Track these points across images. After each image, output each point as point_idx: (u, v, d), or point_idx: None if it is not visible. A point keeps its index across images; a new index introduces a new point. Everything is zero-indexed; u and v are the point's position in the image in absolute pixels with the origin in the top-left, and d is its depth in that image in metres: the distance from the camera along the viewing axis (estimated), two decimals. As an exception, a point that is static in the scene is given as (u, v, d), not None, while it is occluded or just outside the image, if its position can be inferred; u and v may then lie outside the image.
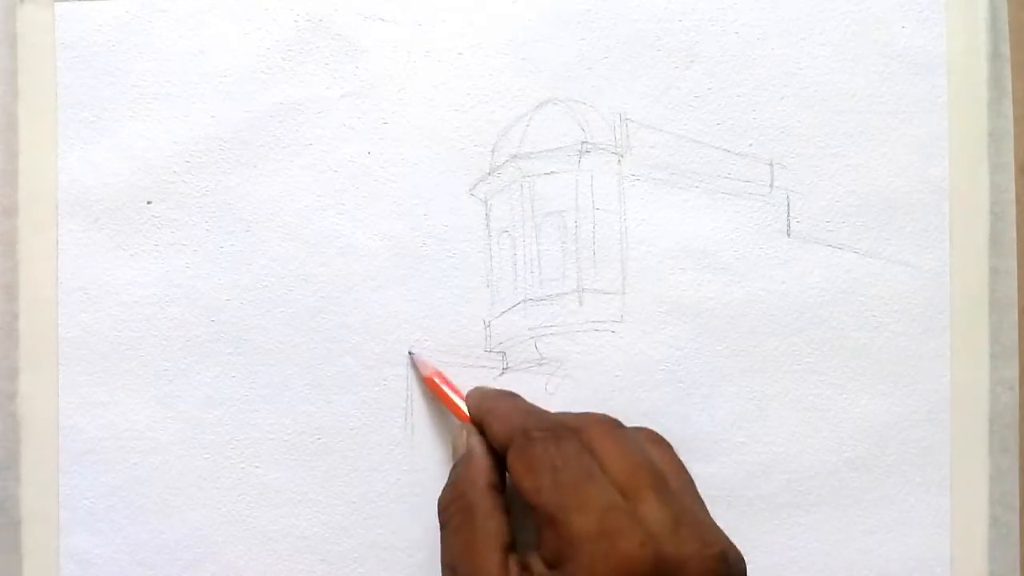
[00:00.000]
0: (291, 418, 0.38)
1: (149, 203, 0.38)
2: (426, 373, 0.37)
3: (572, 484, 0.29)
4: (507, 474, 0.32)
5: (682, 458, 0.37)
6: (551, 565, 0.28)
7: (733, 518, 0.37)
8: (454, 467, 0.34)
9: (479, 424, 0.34)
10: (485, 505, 0.31)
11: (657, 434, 0.33)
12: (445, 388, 0.36)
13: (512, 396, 0.36)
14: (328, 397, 0.38)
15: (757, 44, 0.38)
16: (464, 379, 0.38)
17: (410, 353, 0.38)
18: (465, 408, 0.36)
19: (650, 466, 0.30)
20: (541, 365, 0.38)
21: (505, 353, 0.38)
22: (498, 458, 0.33)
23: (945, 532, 0.37)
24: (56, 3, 0.38)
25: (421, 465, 0.38)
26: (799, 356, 0.38)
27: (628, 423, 0.37)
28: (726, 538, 0.29)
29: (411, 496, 0.38)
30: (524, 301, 0.38)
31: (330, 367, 0.38)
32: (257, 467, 0.38)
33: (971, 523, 0.37)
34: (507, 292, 0.38)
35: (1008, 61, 0.37)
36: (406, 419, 0.38)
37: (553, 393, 0.38)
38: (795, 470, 0.38)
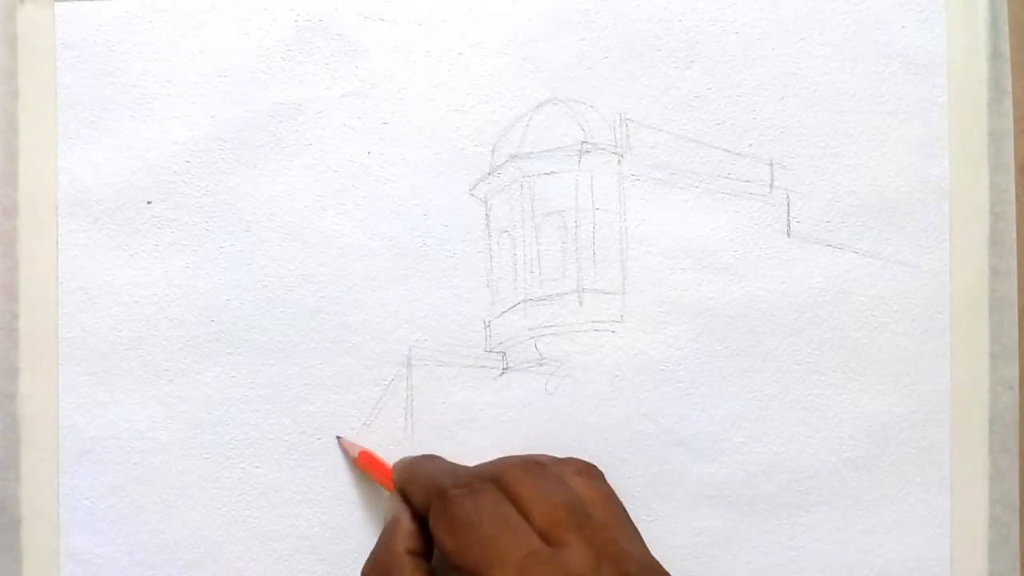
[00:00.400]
0: (291, 418, 0.38)
1: (149, 203, 0.38)
2: (354, 454, 0.37)
3: (490, 538, 0.28)
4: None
5: (682, 458, 0.37)
6: None
7: (733, 518, 0.37)
8: (379, 536, 0.34)
9: (404, 493, 0.34)
10: (404, 571, 0.31)
11: (585, 464, 0.33)
12: (375, 463, 0.37)
13: (432, 459, 0.36)
14: (328, 397, 0.38)
15: (757, 44, 0.38)
16: (464, 379, 0.38)
17: (338, 438, 0.38)
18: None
19: (571, 504, 0.30)
20: (541, 365, 0.38)
21: (505, 353, 0.38)
22: (423, 524, 0.33)
23: (945, 532, 0.37)
24: (56, 3, 0.38)
25: (421, 465, 0.38)
26: (799, 356, 0.38)
27: (628, 423, 0.37)
28: (655, 567, 0.29)
29: (411, 496, 0.38)
30: (524, 301, 0.38)
31: (330, 367, 0.38)
32: (257, 467, 0.38)
33: (971, 523, 0.37)
34: (507, 292, 0.38)
35: (1008, 61, 0.37)
36: (406, 419, 0.38)
37: (553, 393, 0.38)
38: (795, 470, 0.38)
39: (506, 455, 0.34)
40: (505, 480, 0.31)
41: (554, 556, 0.28)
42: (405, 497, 0.34)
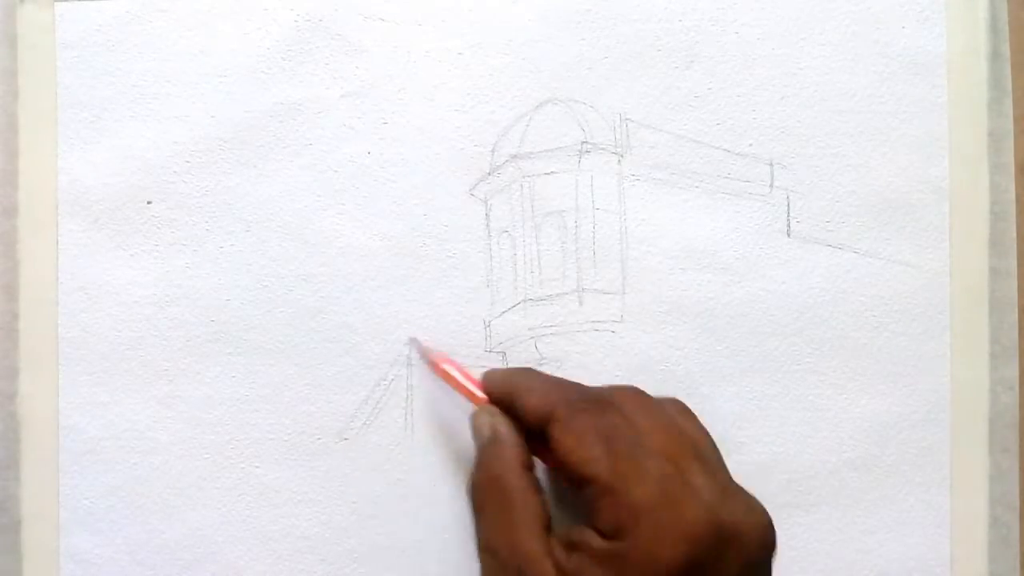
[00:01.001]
0: (291, 418, 0.38)
1: (149, 203, 0.38)
2: (434, 359, 0.36)
3: (626, 454, 0.28)
4: (545, 451, 0.31)
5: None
6: (610, 536, 0.28)
7: (733, 518, 0.37)
8: (482, 450, 0.32)
9: (505, 403, 0.33)
10: (522, 486, 0.30)
11: (683, 404, 0.33)
12: (456, 374, 0.35)
13: (536, 372, 0.35)
14: (328, 397, 0.38)
15: (757, 44, 0.38)
16: (464, 379, 0.38)
17: (412, 340, 0.37)
18: (478, 392, 0.34)
19: (685, 437, 0.30)
20: (541, 365, 0.38)
21: (505, 353, 0.38)
22: (525, 438, 0.32)
23: (945, 532, 0.37)
24: (56, 3, 0.38)
25: (421, 465, 0.38)
26: (799, 356, 0.38)
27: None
28: (763, 508, 0.30)
29: (411, 496, 0.38)
30: (524, 301, 0.38)
31: (330, 367, 0.38)
32: (257, 467, 0.38)
33: (971, 523, 0.37)
34: (507, 292, 0.38)
35: (1008, 61, 0.37)
36: (406, 419, 0.38)
37: (553, 393, 0.38)
38: (795, 470, 0.38)
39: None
40: (625, 406, 0.30)
41: (688, 481, 0.28)
42: (506, 409, 0.33)
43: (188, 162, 0.38)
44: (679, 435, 0.30)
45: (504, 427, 0.32)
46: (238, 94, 0.38)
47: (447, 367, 0.36)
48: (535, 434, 0.32)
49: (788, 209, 0.38)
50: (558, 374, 0.37)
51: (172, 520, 0.38)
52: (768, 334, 0.38)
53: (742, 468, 0.37)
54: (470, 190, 0.38)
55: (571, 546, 0.29)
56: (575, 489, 0.29)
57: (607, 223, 0.38)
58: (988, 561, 0.37)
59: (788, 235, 0.38)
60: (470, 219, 0.38)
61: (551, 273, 0.38)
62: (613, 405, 0.30)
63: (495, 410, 0.33)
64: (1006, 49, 0.37)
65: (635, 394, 0.32)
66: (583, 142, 0.38)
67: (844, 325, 0.38)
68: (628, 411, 0.30)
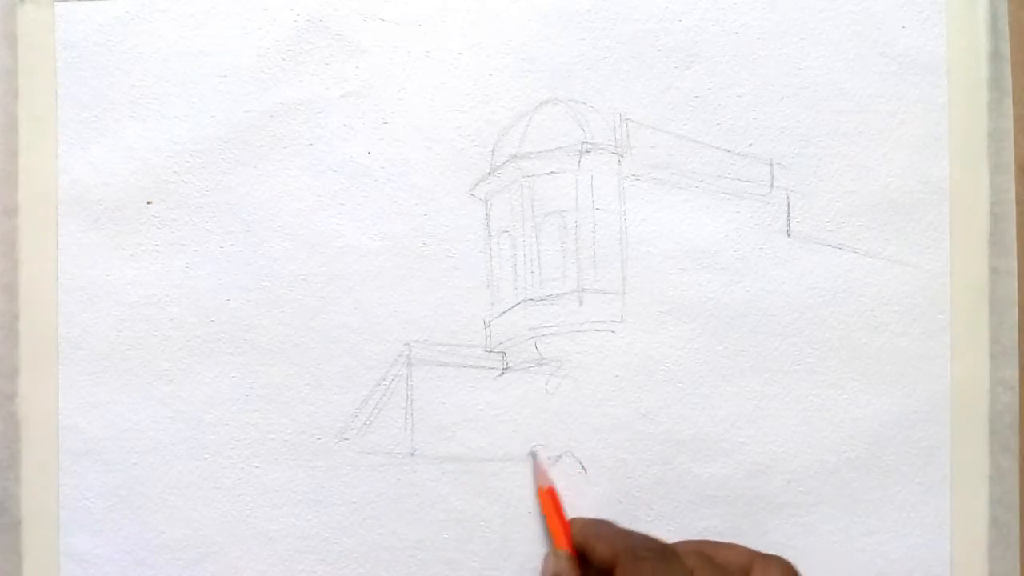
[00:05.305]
0: (291, 418, 0.38)
1: (149, 203, 0.38)
2: (542, 487, 0.37)
3: None
4: None
5: (682, 458, 0.37)
6: None
7: (733, 518, 0.37)
8: None
9: (581, 548, 0.35)
10: None
11: (787, 566, 0.34)
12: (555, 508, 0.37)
13: (610, 523, 0.37)
14: (328, 397, 0.38)
15: (757, 44, 0.38)
16: (464, 379, 0.38)
17: (532, 453, 0.38)
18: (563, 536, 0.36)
19: None
20: (541, 365, 0.38)
21: (505, 353, 0.38)
22: None
23: (945, 532, 0.37)
24: (56, 3, 0.38)
25: (421, 465, 0.38)
26: (799, 356, 0.38)
27: (628, 423, 0.37)
28: None
29: (411, 496, 0.38)
30: (524, 301, 0.38)
31: (330, 367, 0.38)
32: (257, 467, 0.38)
33: (971, 523, 0.37)
34: (507, 292, 0.38)
35: (1008, 61, 0.37)
36: (406, 419, 0.38)
37: (553, 393, 0.38)
38: (795, 470, 0.38)
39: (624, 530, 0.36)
40: (689, 559, 0.33)
41: None
42: (583, 551, 0.35)
43: (188, 162, 0.38)
44: None
45: (566, 572, 0.35)
46: (238, 94, 0.38)
47: (548, 502, 0.37)
48: None
49: (788, 209, 0.38)
50: (558, 374, 0.38)
51: (172, 520, 0.38)
52: (768, 334, 0.38)
53: (742, 468, 0.37)
54: (470, 190, 0.38)
55: None
56: None
57: (607, 223, 0.38)
58: (988, 561, 0.37)
59: (788, 235, 0.38)
60: (470, 219, 0.38)
61: (551, 273, 0.38)
62: (677, 557, 0.33)
63: (565, 554, 0.36)
64: (1006, 49, 0.37)
65: (700, 550, 0.34)
66: (583, 142, 0.38)
67: (844, 325, 0.38)
68: (691, 565, 0.33)
